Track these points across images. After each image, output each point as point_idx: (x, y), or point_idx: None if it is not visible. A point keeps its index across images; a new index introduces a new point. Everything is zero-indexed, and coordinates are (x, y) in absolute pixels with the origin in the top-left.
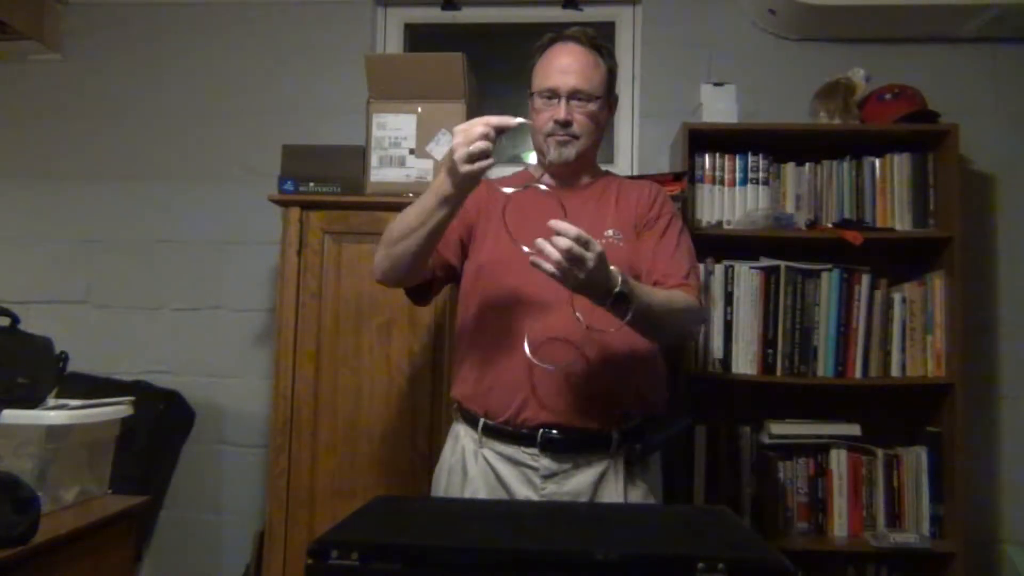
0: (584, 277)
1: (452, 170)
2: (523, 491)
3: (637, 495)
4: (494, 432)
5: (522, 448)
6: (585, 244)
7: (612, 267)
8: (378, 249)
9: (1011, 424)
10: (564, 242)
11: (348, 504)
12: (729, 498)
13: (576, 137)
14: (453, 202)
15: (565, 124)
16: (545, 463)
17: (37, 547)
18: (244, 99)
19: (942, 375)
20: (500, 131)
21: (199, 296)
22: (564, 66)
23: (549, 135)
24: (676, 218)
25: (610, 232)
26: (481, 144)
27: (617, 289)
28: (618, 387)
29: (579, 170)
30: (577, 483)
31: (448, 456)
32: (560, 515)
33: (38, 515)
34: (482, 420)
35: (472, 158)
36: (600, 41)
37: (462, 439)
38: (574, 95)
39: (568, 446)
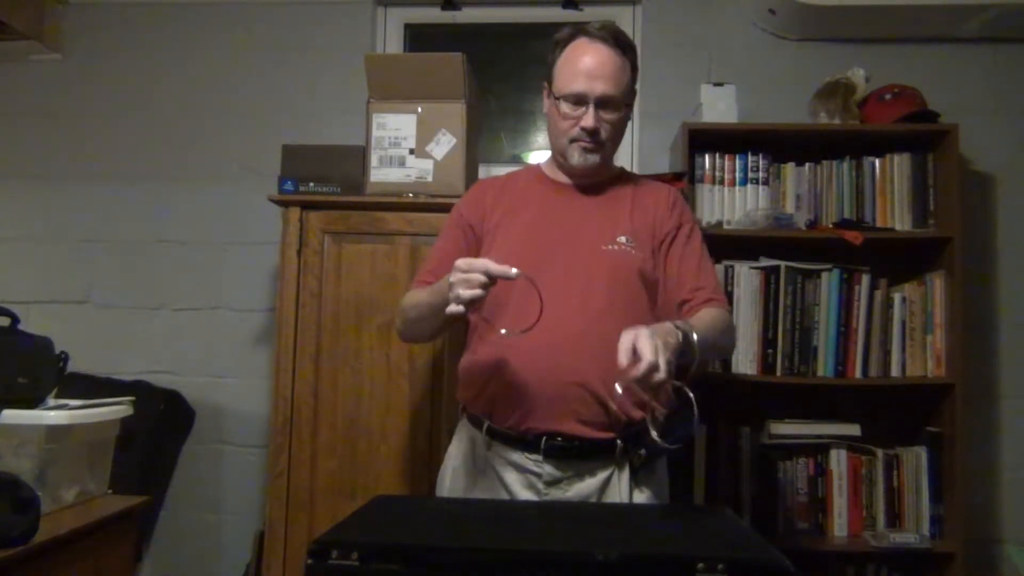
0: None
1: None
2: (526, 496)
3: (642, 500)
4: (499, 436)
5: (526, 454)
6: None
7: (668, 325)
8: (397, 314)
9: (1011, 424)
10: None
11: (348, 504)
12: (729, 498)
13: (602, 144)
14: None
15: (593, 132)
16: (548, 470)
17: (37, 547)
18: (244, 99)
19: (942, 375)
20: (492, 279)
21: (199, 296)
22: (592, 70)
23: (574, 140)
24: (696, 225)
25: (623, 239)
26: (477, 292)
27: (682, 345)
28: (623, 396)
29: (597, 172)
30: (580, 490)
31: (452, 457)
32: (560, 515)
33: (38, 515)
34: (487, 423)
35: (463, 301)
36: (624, 37)
37: (467, 441)
38: (603, 103)
39: (572, 453)
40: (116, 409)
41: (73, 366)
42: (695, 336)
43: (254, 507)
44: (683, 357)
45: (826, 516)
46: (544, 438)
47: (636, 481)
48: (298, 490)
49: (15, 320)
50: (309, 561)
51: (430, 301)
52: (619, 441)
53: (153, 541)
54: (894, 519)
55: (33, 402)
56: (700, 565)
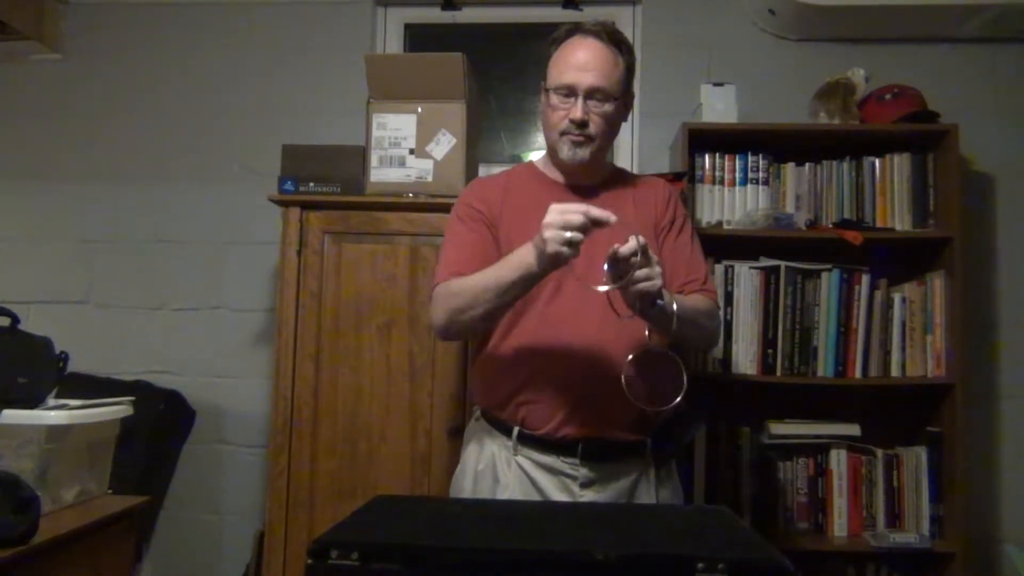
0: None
1: (539, 246)
2: (560, 498)
3: (666, 495)
4: (530, 441)
5: (561, 458)
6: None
7: None
8: (437, 307)
9: (1011, 424)
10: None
11: (348, 504)
12: (729, 498)
13: (591, 138)
14: (534, 281)
15: (581, 124)
16: (584, 472)
17: (37, 547)
18: (244, 99)
19: (942, 375)
20: (595, 223)
21: (199, 296)
22: (582, 63)
23: (563, 134)
24: (688, 219)
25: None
26: (578, 235)
27: (661, 300)
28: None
29: (592, 170)
30: (614, 490)
31: (473, 462)
32: (560, 515)
33: (38, 515)
34: (517, 429)
35: (567, 243)
36: (620, 36)
37: (489, 445)
38: (591, 94)
39: (608, 456)
40: (116, 409)
41: (73, 366)
42: (675, 304)
43: (254, 507)
44: (661, 318)
45: (826, 516)
46: (581, 443)
47: (660, 478)
48: (298, 490)
49: (15, 320)
50: (309, 561)
51: (499, 275)
52: (648, 440)
53: (153, 541)
54: (894, 519)
55: (33, 402)
56: (700, 565)
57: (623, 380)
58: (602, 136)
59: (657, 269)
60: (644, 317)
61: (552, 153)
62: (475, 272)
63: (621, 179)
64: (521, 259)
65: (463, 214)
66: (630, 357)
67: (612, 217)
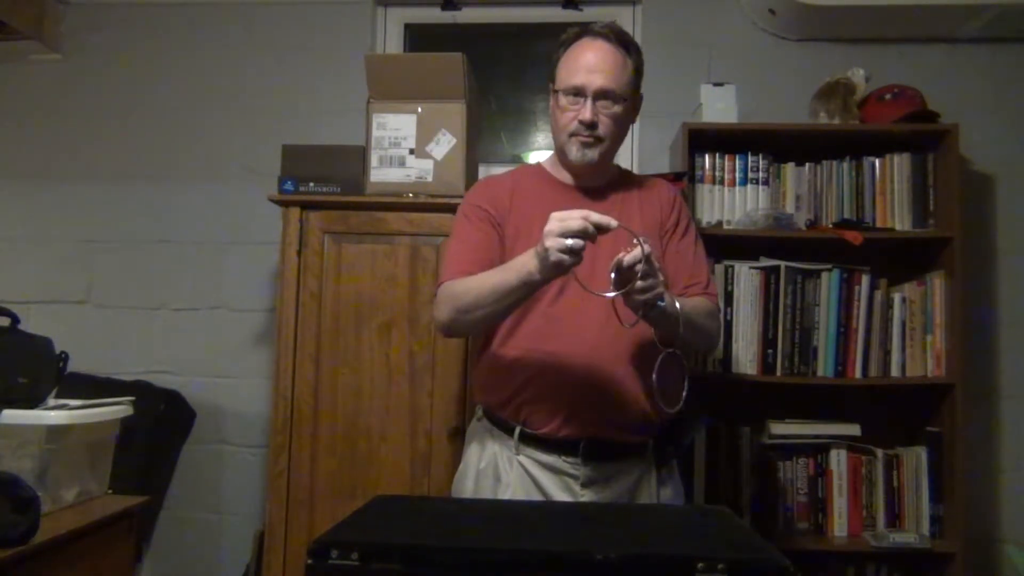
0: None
1: (541, 254)
2: (562, 497)
3: (668, 495)
4: (532, 440)
5: (562, 457)
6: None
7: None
8: (442, 305)
9: (1011, 424)
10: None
11: (348, 504)
12: (729, 498)
13: (600, 139)
14: (536, 287)
15: (591, 125)
16: (586, 472)
17: (37, 547)
18: (244, 99)
19: (942, 375)
20: (597, 228)
21: (199, 296)
22: (591, 64)
23: (573, 135)
24: (692, 222)
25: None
26: (578, 242)
27: (663, 302)
28: (655, 401)
29: (599, 172)
30: (616, 490)
31: (475, 461)
32: (560, 515)
33: (38, 515)
34: (519, 428)
35: (567, 251)
36: (628, 37)
37: (491, 445)
38: (601, 96)
39: (609, 456)
40: (116, 409)
41: (73, 366)
42: (677, 304)
43: (254, 507)
44: (666, 320)
45: (826, 516)
46: (582, 442)
47: (661, 478)
48: (298, 490)
49: (15, 320)
50: (309, 561)
51: (502, 279)
52: (650, 440)
53: (153, 541)
54: (894, 519)
55: (33, 402)
56: (700, 565)
57: (654, 384)
58: (611, 137)
59: (660, 278)
60: (647, 320)
61: (560, 154)
62: (480, 271)
63: (627, 180)
64: (523, 265)
65: (470, 213)
66: (658, 361)
67: (613, 222)
